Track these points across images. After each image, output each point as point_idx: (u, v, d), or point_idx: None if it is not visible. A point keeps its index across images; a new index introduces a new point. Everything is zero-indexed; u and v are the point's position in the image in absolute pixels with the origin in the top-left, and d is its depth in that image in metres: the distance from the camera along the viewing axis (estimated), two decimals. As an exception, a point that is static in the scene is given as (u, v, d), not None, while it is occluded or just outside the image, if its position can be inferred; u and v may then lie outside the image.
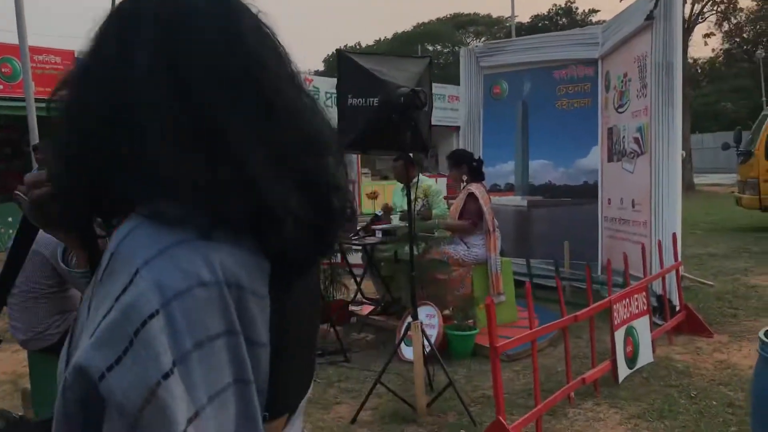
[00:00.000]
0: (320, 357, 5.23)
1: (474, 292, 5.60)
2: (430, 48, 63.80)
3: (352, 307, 6.36)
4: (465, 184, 5.88)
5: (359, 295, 6.39)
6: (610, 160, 6.83)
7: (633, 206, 6.21)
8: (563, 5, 54.44)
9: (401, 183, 6.50)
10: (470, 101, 7.94)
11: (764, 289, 7.22)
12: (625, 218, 6.42)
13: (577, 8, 54.24)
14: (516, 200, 7.64)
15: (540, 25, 53.28)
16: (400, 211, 6.05)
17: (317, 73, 70.71)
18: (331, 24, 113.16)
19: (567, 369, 3.94)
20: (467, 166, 5.84)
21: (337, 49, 4.19)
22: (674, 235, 5.46)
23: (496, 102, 7.81)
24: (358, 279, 6.34)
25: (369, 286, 6.65)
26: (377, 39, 71.08)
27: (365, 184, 20.19)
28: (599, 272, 7.11)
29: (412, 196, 6.45)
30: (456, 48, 63.20)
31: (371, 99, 4.04)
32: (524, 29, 53.80)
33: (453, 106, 22.58)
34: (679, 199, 5.60)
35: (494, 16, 65.62)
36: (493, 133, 7.80)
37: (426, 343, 4.22)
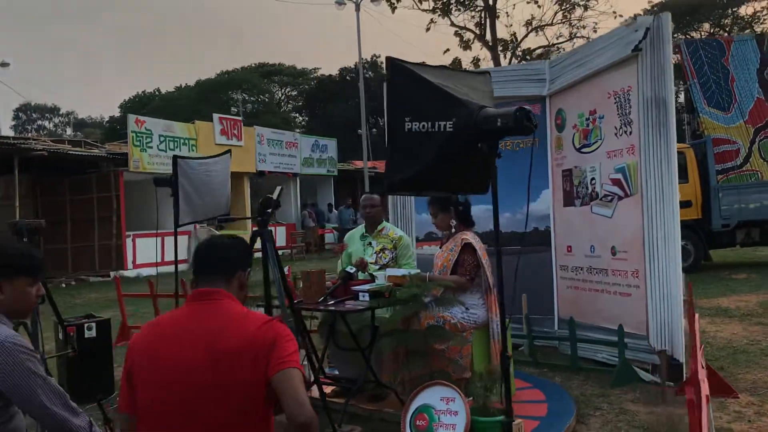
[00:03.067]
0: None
1: (474, 363, 4.67)
2: (238, 96, 62.47)
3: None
4: (454, 230, 4.97)
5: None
6: (568, 204, 6.31)
7: (614, 254, 5.68)
8: (369, 59, 56.15)
9: (373, 227, 5.42)
10: (397, 141, 7.07)
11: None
12: (599, 267, 5.87)
13: (382, 62, 56.20)
14: (456, 250, 6.84)
15: (347, 77, 54.38)
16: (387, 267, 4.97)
17: (112, 119, 66.22)
18: (124, 69, 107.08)
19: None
20: (454, 209, 4.95)
21: (387, 57, 3.14)
22: (689, 284, 4.97)
23: (428, 142, 7.02)
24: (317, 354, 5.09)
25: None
26: (178, 86, 68.36)
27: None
28: (555, 327, 6.53)
29: (376, 246, 5.45)
30: (263, 97, 62.50)
31: (441, 123, 3.02)
32: (332, 81, 54.71)
33: (291, 153, 21.64)
34: (677, 244, 5.14)
35: (298, 67, 66.01)
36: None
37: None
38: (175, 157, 5.61)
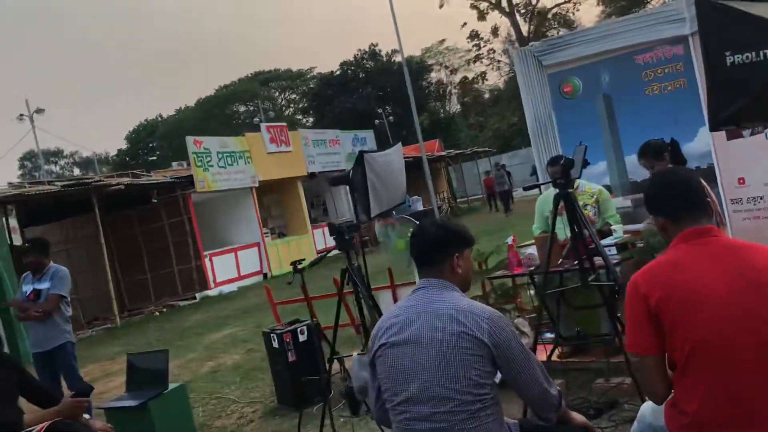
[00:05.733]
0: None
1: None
2: (242, 108, 62.52)
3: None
4: (672, 176, 5.01)
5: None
6: (733, 137, 6.34)
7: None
8: (367, 49, 55.90)
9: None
10: (535, 105, 7.13)
11: None
12: (785, 192, 5.92)
13: (380, 50, 55.90)
14: (618, 202, 6.89)
15: (349, 71, 54.24)
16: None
17: (121, 152, 66.20)
18: (122, 100, 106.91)
19: None
20: (669, 154, 5.00)
21: (697, -4, 3.18)
22: None
23: (568, 101, 7.07)
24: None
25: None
26: (178, 108, 68.31)
27: (270, 245, 18.50)
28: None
29: (583, 202, 5.49)
30: (264, 105, 62.31)
31: (766, 51, 3.07)
32: (333, 77, 54.59)
33: (334, 150, 21.70)
34: None
35: (294, 69, 65.82)
36: (571, 135, 7.02)
37: None
38: (361, 153, 5.65)
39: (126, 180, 14.86)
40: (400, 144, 6.24)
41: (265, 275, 18.07)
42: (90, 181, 14.00)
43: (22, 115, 36.33)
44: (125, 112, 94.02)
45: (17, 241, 14.74)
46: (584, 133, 7.00)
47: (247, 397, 6.33)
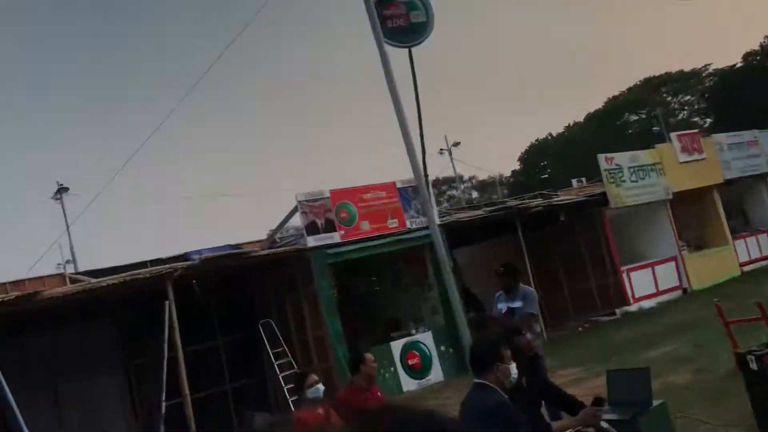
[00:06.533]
0: None
1: None
2: (633, 118, 60.79)
3: None
4: None
5: None
6: None
7: None
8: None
9: None
10: None
11: None
12: None
13: (795, 38, 49.09)
14: None
15: (754, 62, 48.93)
16: None
17: (515, 172, 69.52)
18: (510, 123, 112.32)
19: None
20: None
21: None
22: None
23: None
24: None
25: None
26: (567, 125, 68.84)
27: (687, 258, 17.59)
28: None
29: None
30: (653, 112, 59.24)
31: None
32: (737, 71, 49.68)
33: (752, 152, 19.76)
34: None
35: (686, 70, 61.41)
36: None
37: None
38: None
39: (543, 201, 15.69)
40: None
41: (684, 290, 17.24)
42: (513, 205, 15.14)
43: (442, 149, 41.29)
44: (515, 134, 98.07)
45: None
46: None
47: (719, 418, 6.17)
